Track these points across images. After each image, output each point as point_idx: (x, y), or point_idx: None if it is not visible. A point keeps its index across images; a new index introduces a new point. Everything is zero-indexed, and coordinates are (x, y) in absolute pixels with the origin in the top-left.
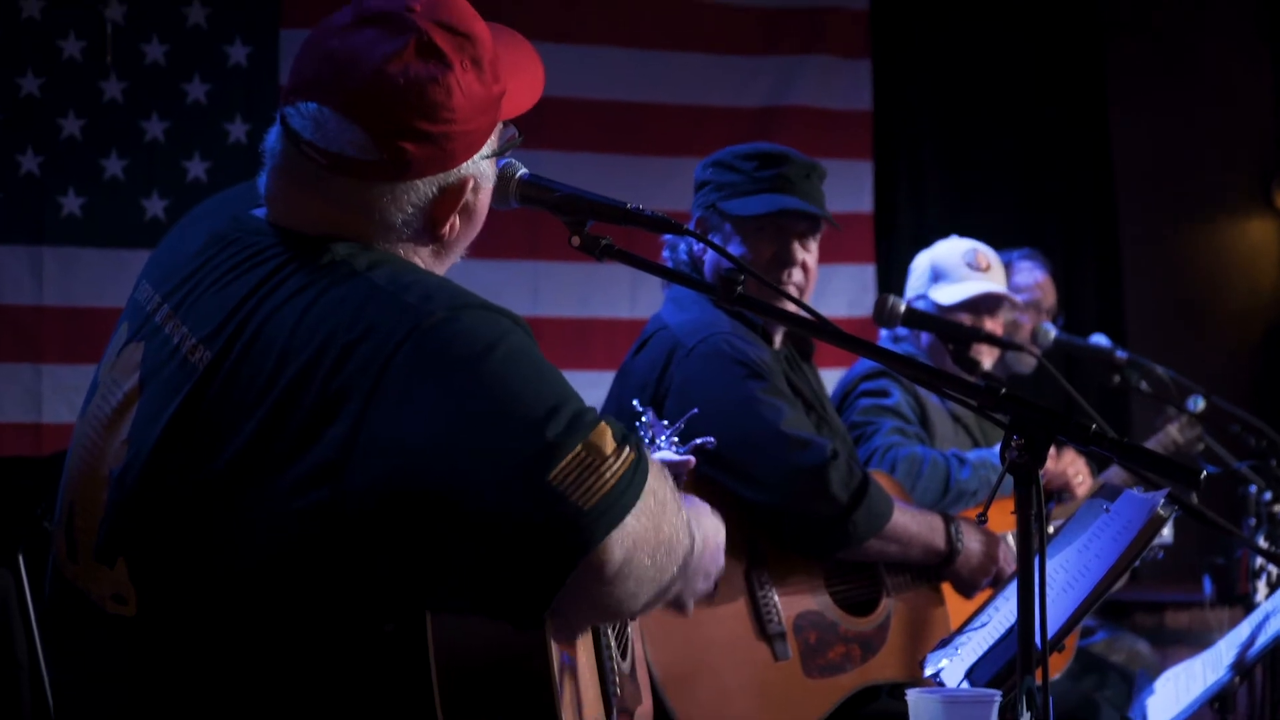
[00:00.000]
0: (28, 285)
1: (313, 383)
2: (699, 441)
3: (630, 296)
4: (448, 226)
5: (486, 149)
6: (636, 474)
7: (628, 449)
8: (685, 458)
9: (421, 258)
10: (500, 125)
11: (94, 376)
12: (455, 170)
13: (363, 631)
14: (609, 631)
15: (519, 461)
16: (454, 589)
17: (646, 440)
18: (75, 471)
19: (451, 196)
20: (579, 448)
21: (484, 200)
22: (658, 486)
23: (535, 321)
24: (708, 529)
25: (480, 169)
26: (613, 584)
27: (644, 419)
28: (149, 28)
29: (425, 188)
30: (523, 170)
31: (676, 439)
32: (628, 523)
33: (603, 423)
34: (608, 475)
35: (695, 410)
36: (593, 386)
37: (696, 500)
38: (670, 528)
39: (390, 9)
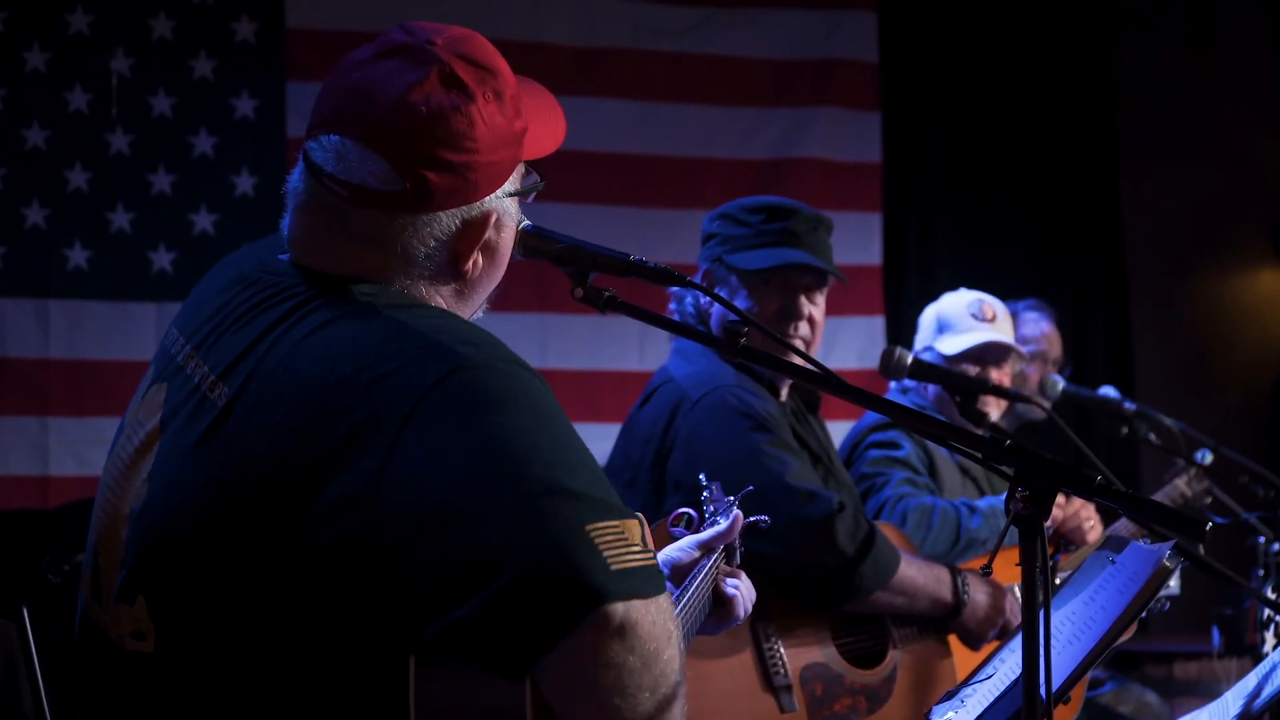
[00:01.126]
0: (34, 338)
1: (337, 417)
2: (754, 519)
3: (639, 349)
4: (470, 263)
5: (510, 185)
6: (656, 578)
7: (652, 554)
8: (732, 522)
9: (444, 298)
10: (521, 166)
11: (121, 420)
12: (478, 204)
13: (360, 673)
14: None
15: (563, 504)
16: (461, 625)
17: (709, 512)
18: (100, 512)
19: (474, 231)
20: (617, 521)
21: (507, 240)
22: (670, 615)
23: (544, 374)
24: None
25: (504, 206)
26: (603, 650)
27: (707, 492)
28: (155, 81)
29: (448, 220)
30: (526, 222)
31: (738, 511)
32: (635, 605)
33: (637, 520)
34: (635, 557)
35: (750, 488)
36: (601, 439)
37: None
38: (670, 665)
39: (412, 43)
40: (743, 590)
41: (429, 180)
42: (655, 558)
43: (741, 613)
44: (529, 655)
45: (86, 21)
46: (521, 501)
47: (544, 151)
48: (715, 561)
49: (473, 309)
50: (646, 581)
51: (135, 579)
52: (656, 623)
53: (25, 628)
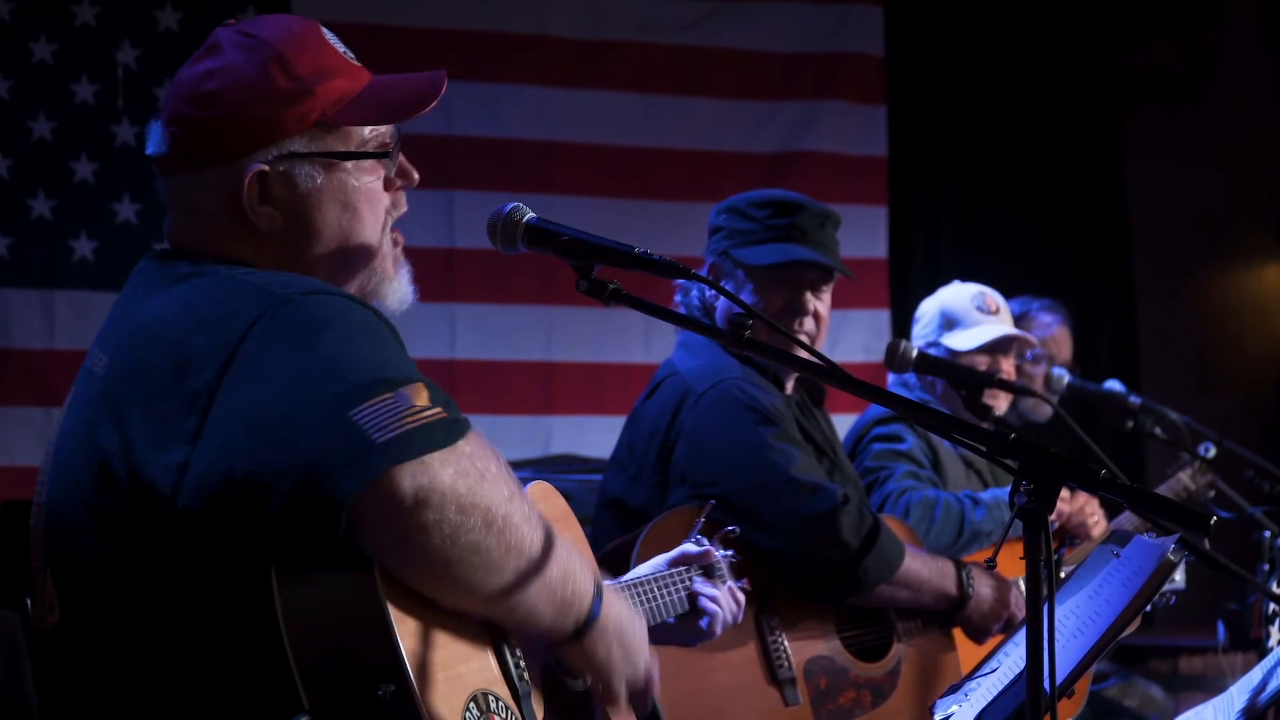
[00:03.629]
0: (39, 329)
1: (182, 366)
2: (726, 530)
3: (644, 341)
4: (264, 219)
5: (303, 145)
6: (447, 430)
7: (441, 409)
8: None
9: (272, 259)
10: (356, 131)
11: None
12: (249, 159)
13: (224, 600)
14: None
15: (328, 402)
16: (278, 535)
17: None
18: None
19: (251, 187)
20: (387, 393)
21: (313, 199)
22: (480, 457)
23: (549, 366)
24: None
25: (294, 164)
26: (407, 519)
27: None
28: (162, 72)
29: (219, 177)
30: (530, 214)
31: (729, 554)
32: (427, 462)
33: (422, 383)
34: (409, 419)
35: (713, 503)
36: (606, 431)
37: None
38: (494, 501)
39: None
40: (721, 603)
41: (179, 137)
42: (445, 410)
43: (718, 626)
44: (326, 534)
45: (93, 13)
46: (301, 416)
47: (365, 119)
48: (686, 572)
49: (333, 274)
50: (431, 436)
51: (47, 558)
52: (460, 469)
53: (28, 617)
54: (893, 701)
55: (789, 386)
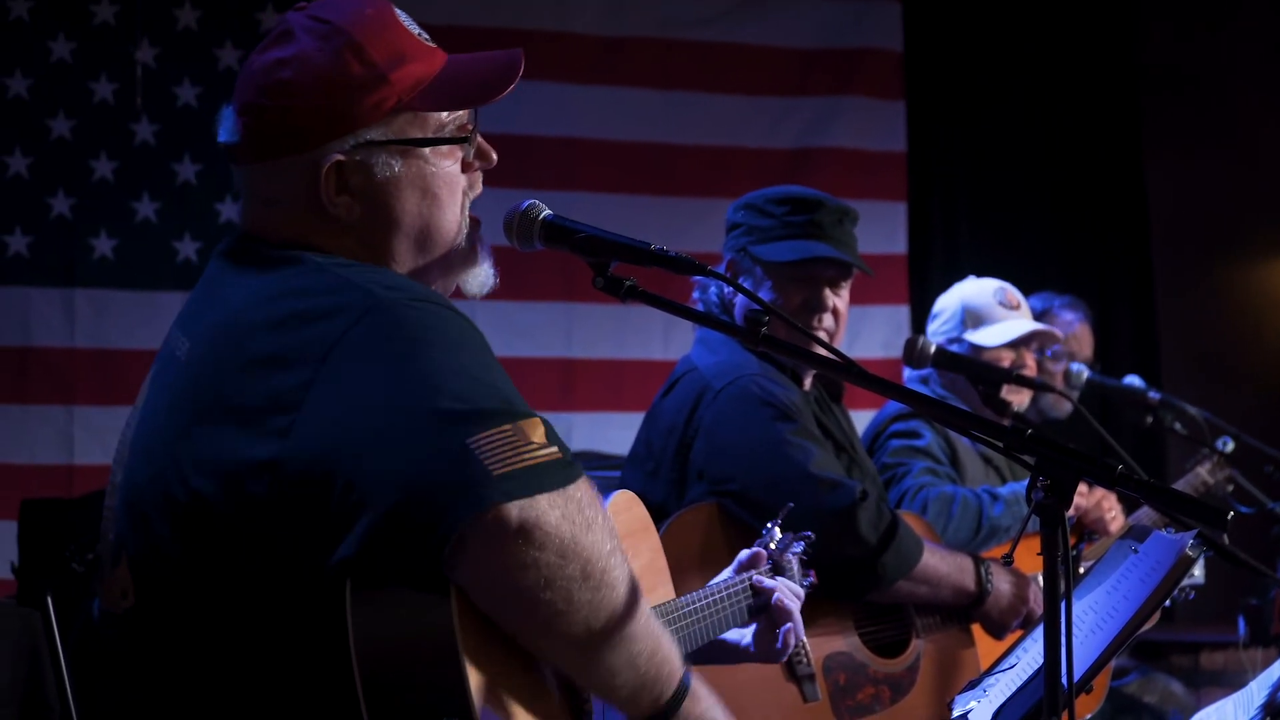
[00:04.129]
0: (59, 327)
1: (272, 361)
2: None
3: (663, 338)
4: (342, 209)
5: (380, 132)
6: (559, 471)
7: (556, 449)
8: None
9: (350, 249)
10: (429, 116)
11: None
12: (325, 148)
13: (296, 607)
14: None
15: (445, 424)
16: (370, 548)
17: (764, 541)
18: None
19: (329, 176)
20: (508, 426)
21: (392, 187)
22: (589, 505)
23: (569, 363)
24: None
25: (371, 153)
26: (510, 552)
27: (766, 533)
28: (180, 70)
29: (294, 166)
30: (546, 211)
31: (801, 548)
32: (537, 500)
33: (539, 419)
34: (526, 456)
35: (810, 535)
36: (625, 428)
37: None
38: (596, 552)
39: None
40: (781, 590)
41: (252, 127)
42: (561, 452)
43: (781, 631)
44: (427, 574)
45: (112, 11)
46: (404, 435)
47: (443, 105)
48: (743, 580)
49: (413, 260)
50: (545, 476)
51: (120, 542)
52: (566, 514)
53: (50, 616)
54: (911, 697)
55: (807, 382)
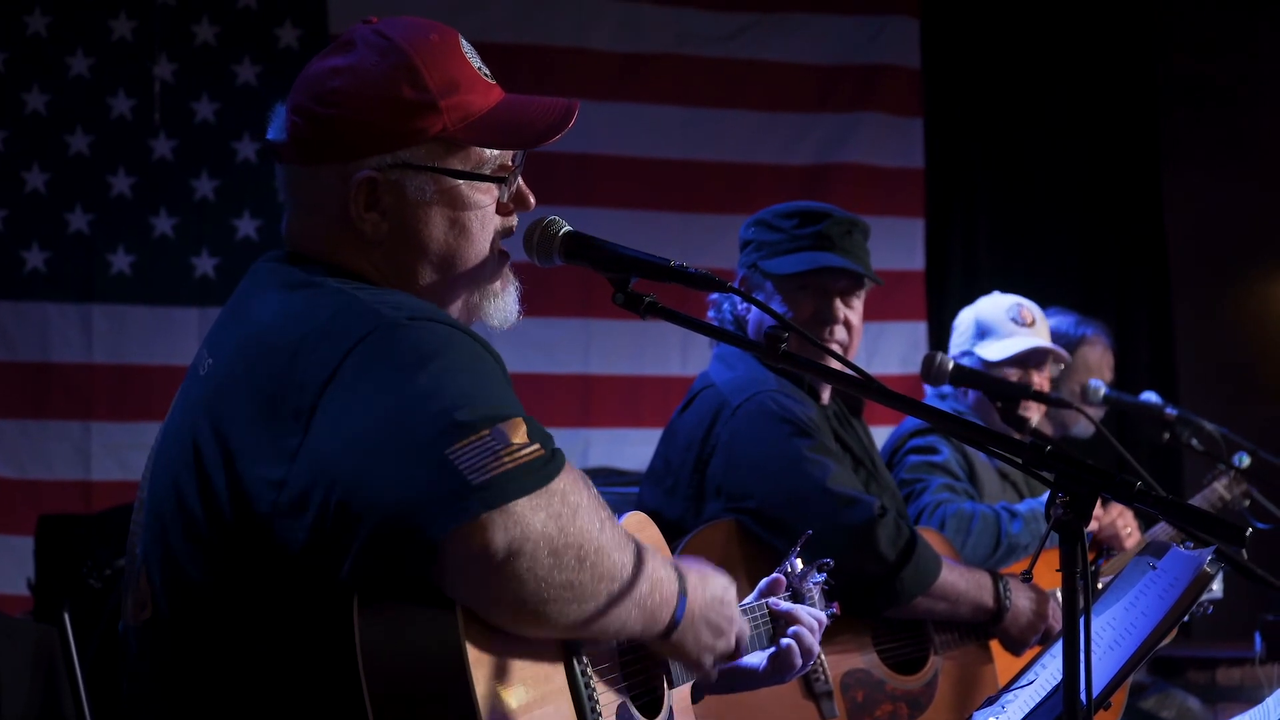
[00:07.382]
0: (77, 342)
1: (287, 382)
2: (818, 568)
3: (681, 354)
4: (368, 225)
5: (416, 157)
6: (542, 469)
7: (539, 446)
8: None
9: (375, 265)
10: (474, 151)
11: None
12: (362, 163)
13: (306, 622)
14: (587, 664)
15: (425, 439)
16: (364, 567)
17: (787, 570)
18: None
19: (360, 190)
20: (485, 430)
21: (422, 211)
22: (572, 492)
23: (587, 379)
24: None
25: (406, 175)
26: (500, 570)
27: (788, 564)
28: (198, 86)
29: (331, 176)
30: (565, 227)
31: (822, 578)
32: (518, 508)
33: (521, 419)
34: (506, 460)
35: (830, 562)
36: (643, 444)
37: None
38: (586, 536)
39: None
40: (801, 619)
41: (300, 128)
42: (543, 447)
43: (796, 658)
44: (431, 588)
45: (130, 27)
46: (387, 455)
47: (486, 141)
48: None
49: (436, 287)
50: (525, 478)
51: (144, 556)
52: (551, 511)
53: (67, 633)
54: (930, 714)
55: (825, 397)
